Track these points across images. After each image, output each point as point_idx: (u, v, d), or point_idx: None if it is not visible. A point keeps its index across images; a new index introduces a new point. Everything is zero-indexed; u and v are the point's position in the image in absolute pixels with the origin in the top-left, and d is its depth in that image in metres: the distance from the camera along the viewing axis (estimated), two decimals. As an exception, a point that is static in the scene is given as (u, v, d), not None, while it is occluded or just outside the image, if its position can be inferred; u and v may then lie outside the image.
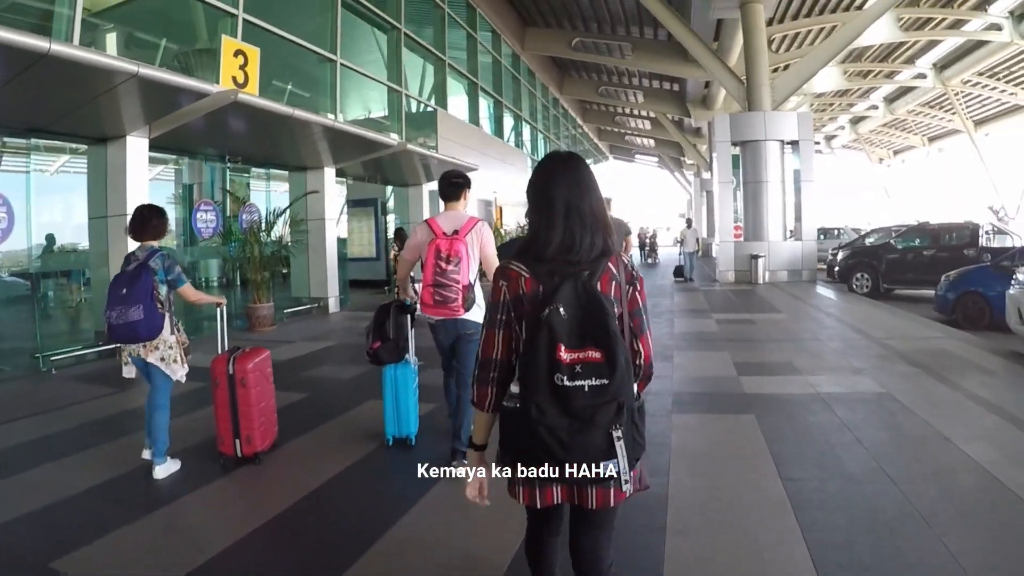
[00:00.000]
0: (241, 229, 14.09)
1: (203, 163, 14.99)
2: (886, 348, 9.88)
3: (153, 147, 11.84)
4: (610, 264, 2.43)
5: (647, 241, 38.02)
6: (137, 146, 11.14)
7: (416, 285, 5.56)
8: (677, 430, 6.35)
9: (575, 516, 2.64)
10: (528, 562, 2.79)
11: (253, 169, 16.84)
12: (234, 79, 12.42)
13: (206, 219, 13.63)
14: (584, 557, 2.66)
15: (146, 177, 11.44)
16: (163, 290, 5.35)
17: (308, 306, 16.46)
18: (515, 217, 30.06)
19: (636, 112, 50.09)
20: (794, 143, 22.49)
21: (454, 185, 5.42)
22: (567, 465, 2.24)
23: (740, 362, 9.18)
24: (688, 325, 12.84)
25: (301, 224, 14.96)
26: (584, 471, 2.25)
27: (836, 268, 20.90)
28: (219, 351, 5.99)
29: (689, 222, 27.37)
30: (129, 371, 5.54)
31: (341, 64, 16.56)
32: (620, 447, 2.23)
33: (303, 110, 12.64)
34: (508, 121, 32.73)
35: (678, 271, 24.11)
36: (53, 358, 10.13)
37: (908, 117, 51.93)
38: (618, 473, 2.26)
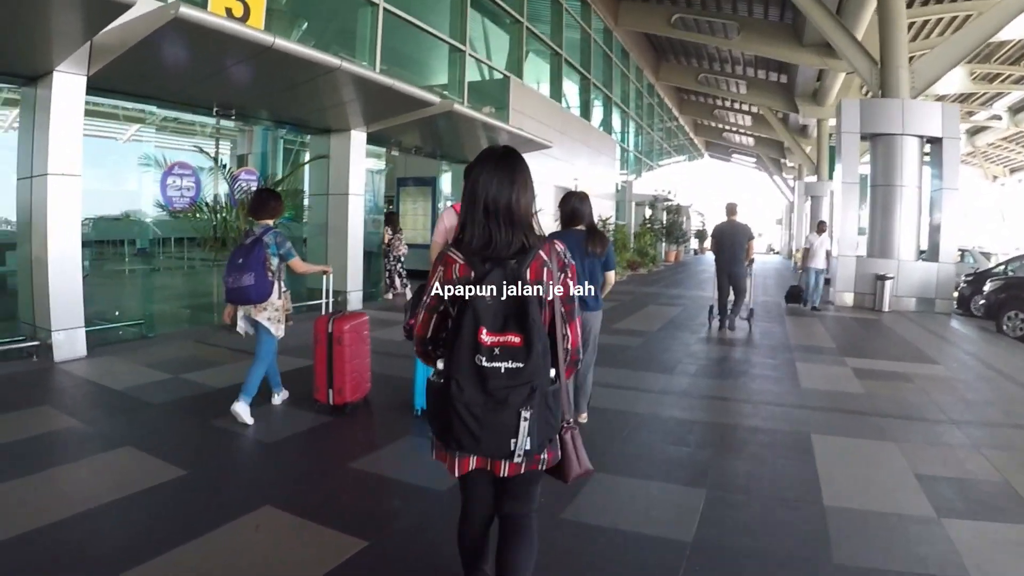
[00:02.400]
0: (232, 202, 10.95)
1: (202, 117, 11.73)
2: None
3: (101, 90, 9.17)
4: (541, 252, 2.54)
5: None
6: (67, 85, 8.17)
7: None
8: None
9: (496, 489, 2.83)
10: (459, 548, 2.96)
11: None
12: (229, 10, 9.28)
13: (180, 186, 10.67)
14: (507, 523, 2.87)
15: (79, 126, 8.41)
16: (274, 262, 6.06)
17: (322, 301, 12.98)
18: (600, 208, 26.12)
19: (737, 105, 45.43)
20: (935, 141, 18.07)
21: None
22: (480, 443, 2.41)
23: (927, 475, 5.23)
24: (818, 377, 8.75)
25: (299, 196, 11.63)
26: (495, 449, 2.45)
27: (983, 301, 16.23)
28: (322, 312, 6.98)
29: (822, 226, 17.20)
30: (243, 327, 6.26)
31: (385, 9, 13.31)
32: (523, 427, 2.39)
33: (306, 47, 9.22)
34: (596, 103, 28.89)
35: (793, 294, 16.93)
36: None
37: (1034, 132, 45.95)
38: (514, 449, 2.41)
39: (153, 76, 9.25)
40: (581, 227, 5.76)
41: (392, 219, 15.70)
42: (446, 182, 19.77)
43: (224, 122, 12.61)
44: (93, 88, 8.66)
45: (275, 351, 6.42)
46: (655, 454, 5.73)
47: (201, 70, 9.23)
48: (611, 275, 6.05)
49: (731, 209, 12.11)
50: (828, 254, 15.97)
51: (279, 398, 6.75)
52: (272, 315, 6.16)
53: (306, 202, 13.40)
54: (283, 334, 6.32)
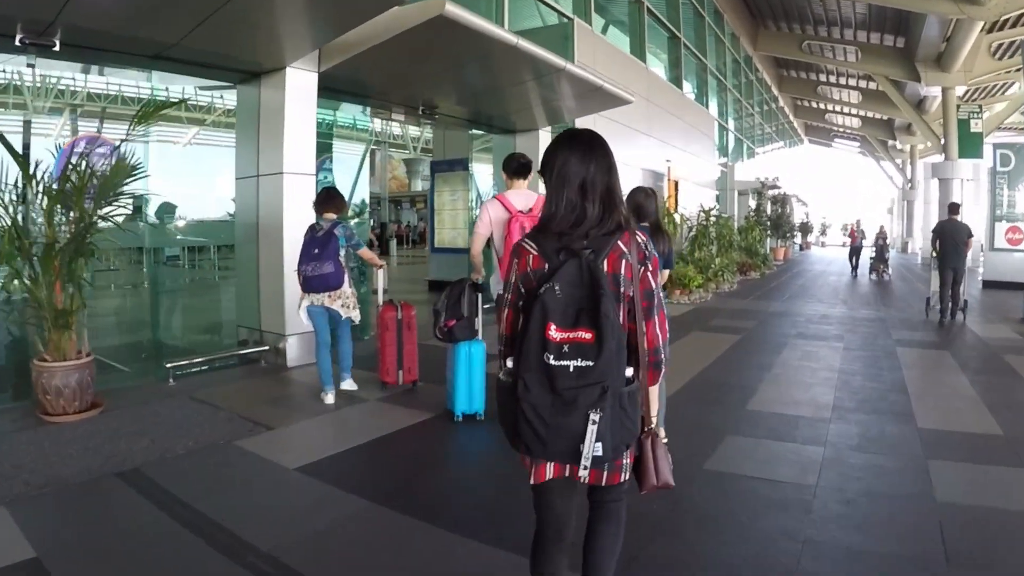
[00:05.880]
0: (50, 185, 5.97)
1: None
2: None
3: None
4: (620, 243, 2.26)
5: (879, 241, 23.33)
6: None
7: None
8: None
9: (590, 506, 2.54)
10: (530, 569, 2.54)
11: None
12: None
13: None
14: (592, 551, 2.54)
15: None
16: (342, 253, 6.21)
17: (246, 351, 7.97)
18: (698, 198, 20.54)
19: (844, 80, 38.57)
20: None
21: (524, 166, 5.56)
22: (546, 445, 2.13)
23: None
24: None
25: (117, 178, 6.17)
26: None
27: None
28: (379, 305, 6.95)
29: None
30: (304, 317, 6.36)
31: None
32: (591, 431, 2.08)
33: None
34: (687, 67, 22.79)
35: None
36: None
37: None
38: (583, 455, 2.11)
39: None
40: (645, 224, 5.12)
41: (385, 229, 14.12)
42: (487, 164, 14.19)
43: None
44: None
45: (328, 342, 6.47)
46: None
47: None
48: (666, 272, 5.34)
49: (953, 208, 12.59)
50: None
51: (350, 384, 6.69)
52: (345, 302, 6.31)
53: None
54: (356, 317, 6.45)
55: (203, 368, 7.49)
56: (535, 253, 2.28)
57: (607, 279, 2.19)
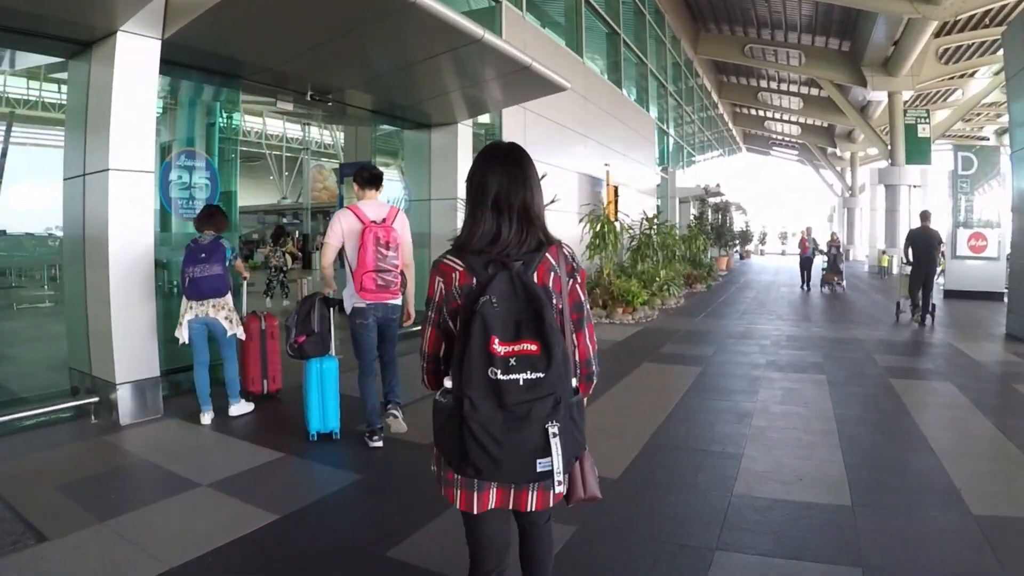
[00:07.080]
0: None
1: None
2: None
3: None
4: (548, 255, 2.18)
5: (832, 250, 21.30)
6: None
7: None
8: None
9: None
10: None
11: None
12: None
13: None
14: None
15: None
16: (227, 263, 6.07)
17: (78, 403, 6.09)
18: (639, 203, 19.22)
19: (785, 87, 38.28)
20: None
21: (376, 176, 5.49)
22: (501, 466, 1.97)
23: None
24: None
25: None
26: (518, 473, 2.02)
27: None
28: (243, 316, 6.73)
29: None
30: (183, 334, 5.91)
31: None
32: (556, 444, 1.97)
33: None
34: (628, 67, 21.42)
35: None
36: None
37: None
38: (552, 471, 1.98)
39: None
40: None
41: (280, 234, 15.82)
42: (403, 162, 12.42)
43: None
44: None
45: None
46: None
47: None
48: None
49: (925, 216, 13.10)
50: None
51: (237, 409, 6.29)
52: (229, 315, 6.12)
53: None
54: (240, 333, 6.31)
55: (20, 427, 5.65)
56: (461, 269, 2.12)
57: (540, 290, 2.05)
